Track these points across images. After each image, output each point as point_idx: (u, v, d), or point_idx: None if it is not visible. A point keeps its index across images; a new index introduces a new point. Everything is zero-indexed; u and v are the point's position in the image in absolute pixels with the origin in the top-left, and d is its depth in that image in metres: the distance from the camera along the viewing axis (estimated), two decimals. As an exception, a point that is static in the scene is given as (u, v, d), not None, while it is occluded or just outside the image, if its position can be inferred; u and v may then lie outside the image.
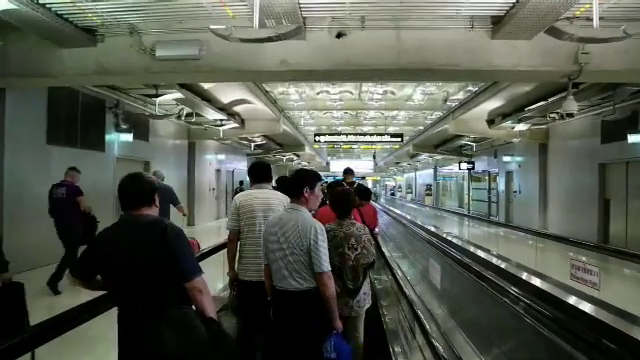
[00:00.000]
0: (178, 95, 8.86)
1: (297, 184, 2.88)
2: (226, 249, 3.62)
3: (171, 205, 7.37)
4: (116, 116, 9.99)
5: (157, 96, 8.74)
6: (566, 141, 13.28)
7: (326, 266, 2.68)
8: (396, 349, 3.91)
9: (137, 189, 2.29)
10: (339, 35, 5.66)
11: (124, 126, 10.20)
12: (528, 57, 5.64)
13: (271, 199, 3.47)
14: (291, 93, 19.47)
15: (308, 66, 5.69)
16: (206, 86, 10.53)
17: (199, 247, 4.17)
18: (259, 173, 3.64)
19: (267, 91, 12.67)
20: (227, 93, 11.54)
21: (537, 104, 11.26)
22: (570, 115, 6.25)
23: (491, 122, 14.29)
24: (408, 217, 9.52)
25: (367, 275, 3.51)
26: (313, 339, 2.69)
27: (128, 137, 10.37)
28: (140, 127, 11.63)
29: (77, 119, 8.95)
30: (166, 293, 2.13)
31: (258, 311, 3.13)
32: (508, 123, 13.53)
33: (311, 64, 5.69)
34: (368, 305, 3.54)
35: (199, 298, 2.13)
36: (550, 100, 10.75)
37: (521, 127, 13.01)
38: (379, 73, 5.90)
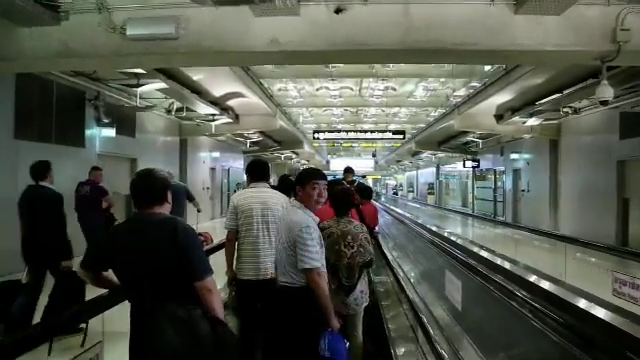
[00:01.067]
0: (161, 85, 8.09)
1: (293, 183, 3.00)
2: (224, 249, 3.61)
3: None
4: (96, 109, 9.19)
5: (138, 86, 7.95)
6: (580, 137, 12.51)
7: (311, 263, 2.63)
8: (398, 352, 3.78)
9: (148, 187, 2.27)
10: (338, 10, 4.88)
11: (106, 120, 9.41)
12: (556, 35, 4.86)
13: (268, 198, 3.46)
14: (290, 89, 18.81)
15: (302, 46, 4.91)
16: (195, 77, 9.79)
17: (212, 240, 4.20)
18: (257, 171, 3.62)
19: (261, 83, 11.91)
20: (219, 85, 10.79)
21: (550, 97, 10.48)
22: (604, 103, 5.48)
23: (499, 117, 13.53)
24: (416, 219, 8.65)
25: (363, 273, 3.51)
26: (307, 336, 2.67)
27: (111, 132, 9.58)
28: (125, 122, 10.84)
29: (52, 112, 8.17)
30: (173, 292, 2.11)
31: (257, 310, 3.21)
32: (518, 118, 12.76)
33: (305, 43, 4.91)
34: (366, 303, 3.54)
35: (208, 298, 2.12)
36: (565, 92, 9.98)
37: (532, 122, 12.24)
38: (383, 54, 5.10)
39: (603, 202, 11.01)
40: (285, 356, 2.79)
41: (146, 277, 2.14)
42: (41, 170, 4.67)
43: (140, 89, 8.03)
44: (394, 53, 5.04)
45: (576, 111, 12.11)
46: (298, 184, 2.88)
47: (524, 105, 12.04)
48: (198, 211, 9.39)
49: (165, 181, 2.34)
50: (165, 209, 2.30)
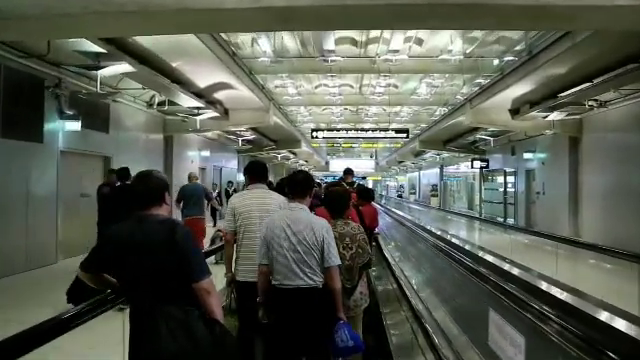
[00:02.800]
0: (127, 68, 6.83)
1: (306, 184, 3.06)
2: (223, 251, 3.70)
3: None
4: (57, 98, 7.93)
5: (98, 68, 6.70)
6: (606, 133, 11.25)
7: (336, 261, 2.81)
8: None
9: (146, 188, 2.28)
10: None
11: (70, 112, 8.16)
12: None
13: (267, 199, 3.48)
14: (287, 85, 17.60)
15: (287, 1, 3.67)
16: (174, 63, 8.57)
17: None
18: (255, 172, 3.63)
19: (252, 73, 10.65)
20: (203, 74, 9.56)
21: (578, 87, 9.23)
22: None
23: (515, 112, 12.29)
24: (438, 234, 7.16)
25: (363, 274, 3.53)
26: (324, 333, 2.75)
27: (75, 125, 8.31)
28: (97, 115, 9.61)
29: (-2, 100, 6.95)
30: (172, 293, 2.11)
31: (257, 311, 3.17)
32: (536, 112, 11.50)
33: (292, -2, 3.66)
34: (365, 305, 3.56)
35: (206, 299, 2.13)
36: (596, 81, 8.76)
37: (554, 117, 10.96)
38: (402, 12, 3.79)
39: (634, 206, 9.77)
40: (296, 354, 2.84)
41: (145, 278, 2.13)
42: (125, 174, 6.28)
43: (101, 72, 6.75)
44: (417, 11, 3.75)
45: (602, 104, 10.86)
46: (313, 186, 3.14)
47: (544, 98, 10.82)
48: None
49: (163, 182, 2.33)
50: (163, 210, 2.28)
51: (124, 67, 6.71)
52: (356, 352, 2.85)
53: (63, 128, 8.32)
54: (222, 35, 8.15)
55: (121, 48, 6.67)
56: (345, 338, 2.72)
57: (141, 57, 7.52)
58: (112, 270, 2.28)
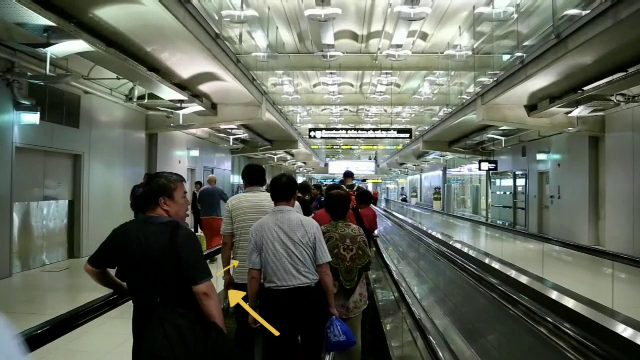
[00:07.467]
0: (83, 45, 5.68)
1: (292, 187, 3.04)
2: (220, 253, 3.69)
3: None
4: (10, 85, 6.81)
5: (46, 45, 5.56)
6: (635, 132, 10.15)
7: (328, 257, 2.89)
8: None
9: (148, 190, 2.29)
10: None
11: (26, 102, 7.05)
12: None
13: (263, 202, 3.44)
14: (284, 83, 16.54)
15: None
16: (149, 47, 7.46)
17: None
18: (252, 176, 3.63)
19: (239, 60, 9.53)
20: (183, 61, 8.43)
21: (610, 77, 8.12)
22: None
23: (532, 108, 11.17)
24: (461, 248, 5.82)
25: (362, 275, 3.53)
26: (320, 329, 2.83)
27: (34, 118, 7.18)
28: (64, 108, 8.48)
29: None
30: (172, 295, 2.11)
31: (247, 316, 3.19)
32: (557, 108, 10.37)
33: None
34: (364, 306, 3.59)
35: (205, 302, 2.12)
36: (630, 71, 7.67)
37: (579, 112, 9.84)
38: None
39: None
40: (291, 353, 2.86)
41: (145, 279, 2.13)
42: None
43: (50, 50, 5.57)
44: None
45: (630, 99, 9.76)
46: (297, 189, 3.13)
47: (565, 92, 9.72)
48: None
49: (160, 187, 2.27)
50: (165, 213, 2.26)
51: (80, 45, 5.57)
52: (348, 347, 2.92)
53: (19, 121, 7.19)
54: (201, 12, 7.06)
55: (77, 23, 5.56)
56: (337, 332, 2.81)
57: (107, 38, 6.41)
58: (117, 269, 2.30)
